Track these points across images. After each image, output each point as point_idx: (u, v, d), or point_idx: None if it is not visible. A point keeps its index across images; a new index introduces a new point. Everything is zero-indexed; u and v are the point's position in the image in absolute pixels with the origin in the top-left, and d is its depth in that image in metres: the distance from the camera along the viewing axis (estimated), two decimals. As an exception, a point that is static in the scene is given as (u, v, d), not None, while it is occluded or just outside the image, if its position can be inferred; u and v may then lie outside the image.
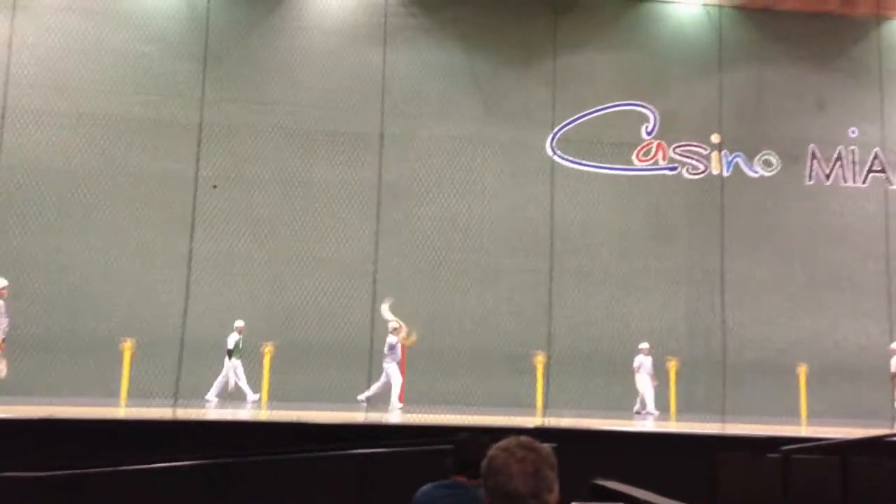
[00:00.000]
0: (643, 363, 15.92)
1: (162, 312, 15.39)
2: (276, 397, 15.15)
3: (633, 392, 15.88)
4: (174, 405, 10.55)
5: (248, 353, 15.23)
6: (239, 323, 15.19)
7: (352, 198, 16.53)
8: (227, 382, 14.92)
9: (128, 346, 14.56)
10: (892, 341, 16.20)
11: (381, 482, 7.66)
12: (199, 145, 16.09)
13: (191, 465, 7.48)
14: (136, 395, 14.10)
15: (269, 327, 15.45)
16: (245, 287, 15.98)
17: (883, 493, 7.92)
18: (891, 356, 15.45)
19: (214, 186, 15.96)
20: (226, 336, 15.08)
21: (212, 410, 10.34)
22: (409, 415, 11.88)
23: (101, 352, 14.55)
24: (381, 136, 16.74)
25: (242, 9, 16.98)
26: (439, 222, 16.71)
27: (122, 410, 12.40)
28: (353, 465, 8.01)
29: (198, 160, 16.01)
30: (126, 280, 15.54)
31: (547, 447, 2.25)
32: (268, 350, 15.36)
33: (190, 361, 14.87)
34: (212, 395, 14.76)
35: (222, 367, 14.97)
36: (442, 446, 7.41)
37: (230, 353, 15.00)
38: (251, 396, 14.93)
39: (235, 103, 16.53)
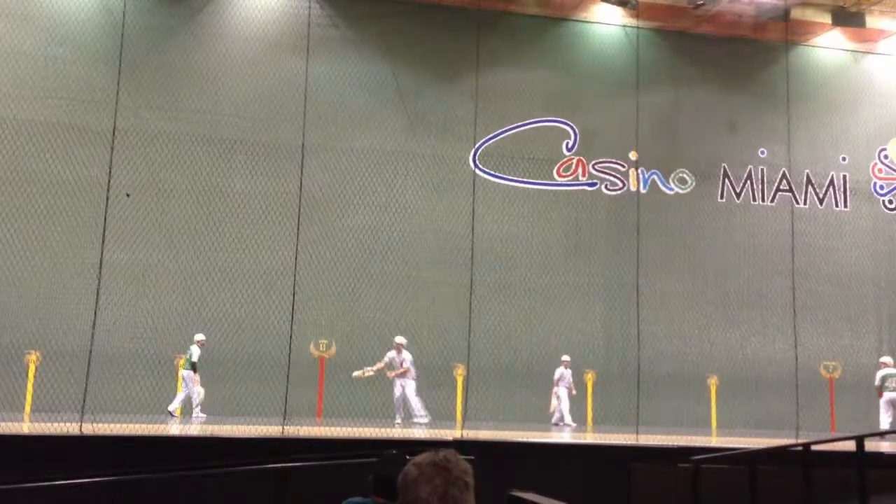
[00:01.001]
0: (563, 375, 16.13)
1: (70, 324, 14.85)
2: (190, 411, 14.79)
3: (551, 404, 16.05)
4: (81, 420, 10.19)
5: (163, 366, 14.83)
6: (200, 336, 14.84)
7: (272, 209, 16.31)
8: (191, 395, 14.60)
9: (33, 358, 14.00)
10: (791, 352, 16.80)
11: (299, 497, 7.54)
12: (112, 152, 15.62)
13: (100, 482, 7.22)
14: (42, 408, 13.55)
15: (184, 340, 15.08)
16: (159, 298, 15.58)
17: (788, 500, 8.18)
18: (878, 369, 15.71)
19: (128, 195, 15.53)
20: (138, 348, 14.67)
21: (121, 425, 10.01)
22: (326, 428, 11.74)
23: (6, 364, 13.95)
24: (303, 148, 16.56)
25: (161, 15, 16.62)
26: (361, 235, 16.63)
27: (25, 425, 11.90)
28: (269, 480, 7.87)
29: (111, 167, 15.54)
30: (34, 290, 14.97)
31: (464, 466, 2.22)
32: (182, 363, 14.99)
33: (99, 374, 14.35)
34: (196, 412, 14.54)
35: (132, 379, 14.53)
36: (361, 460, 7.36)
37: (195, 367, 14.63)
38: (173, 406, 14.56)
39: (152, 110, 16.15)
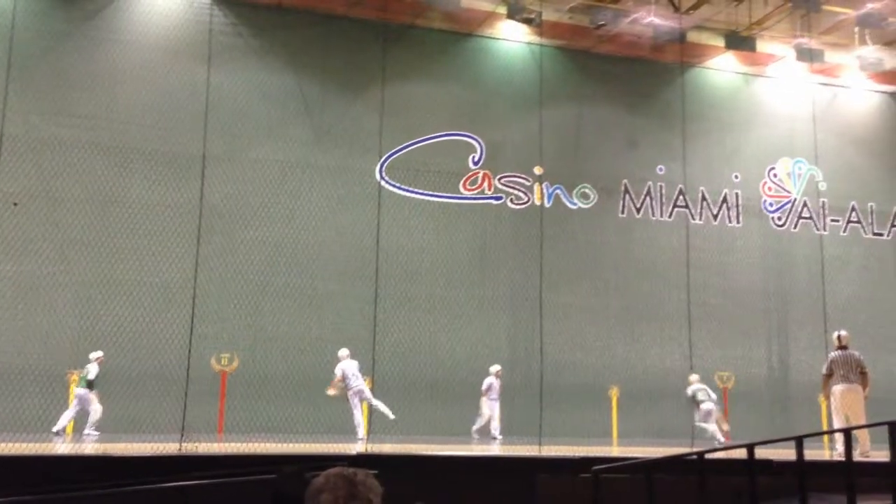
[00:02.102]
0: (492, 385, 16.19)
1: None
2: (81, 428, 14.20)
3: (457, 416, 16.06)
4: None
5: (54, 383, 14.20)
6: (97, 354, 14.26)
7: (171, 219, 15.86)
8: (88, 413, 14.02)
9: None
10: (691, 367, 17.36)
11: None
12: (-1, 159, 14.95)
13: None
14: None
15: (76, 355, 14.48)
16: (50, 312, 14.92)
17: (685, 508, 8.40)
18: (688, 386, 16.40)
19: (15, 204, 14.85)
20: (28, 362, 14.02)
21: (7, 444, 9.51)
22: (227, 444, 11.45)
23: None
24: (204, 157, 16.20)
25: (54, 18, 16.00)
26: (264, 247, 16.35)
27: None
28: (167, 499, 7.62)
29: (-4, 175, 14.86)
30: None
31: (371, 484, 2.29)
32: (74, 378, 14.39)
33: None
34: (90, 430, 13.94)
35: (20, 397, 13.85)
36: (260, 476, 7.20)
37: (91, 385, 14.04)
38: (59, 426, 13.94)
39: (43, 115, 15.50)
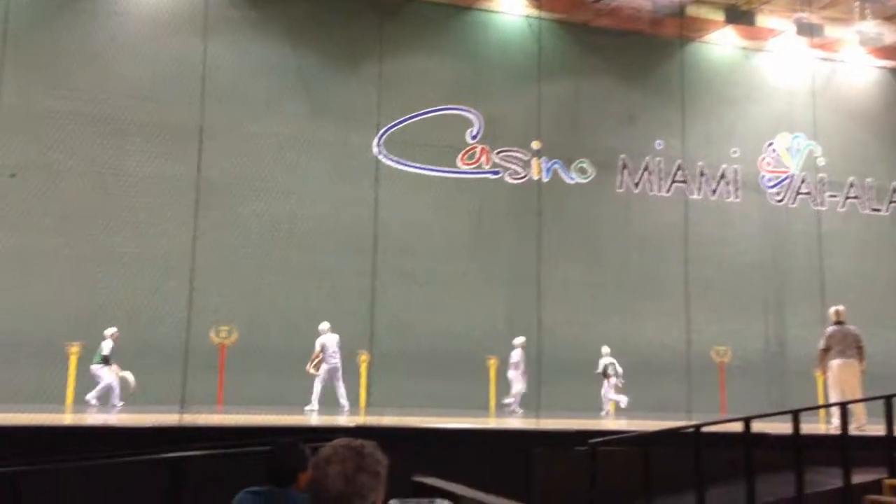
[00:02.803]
0: (521, 357, 16.24)
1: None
2: (82, 401, 14.25)
3: (454, 390, 16.04)
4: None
5: (52, 356, 14.24)
6: (112, 330, 14.29)
7: (169, 193, 15.82)
8: (120, 384, 14.06)
9: None
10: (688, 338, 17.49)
11: (195, 487, 7.36)
12: (-5, 131, 14.88)
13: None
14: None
15: (75, 328, 14.50)
16: (48, 284, 14.93)
17: (680, 480, 8.47)
18: (600, 359, 16.79)
19: (12, 175, 14.80)
20: (27, 335, 14.05)
21: (7, 415, 9.56)
22: (225, 416, 11.50)
23: None
24: (201, 131, 16.13)
25: (49, -12, 15.87)
26: (262, 221, 16.33)
27: None
28: (163, 471, 7.65)
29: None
30: None
31: (379, 457, 2.29)
32: (73, 351, 14.43)
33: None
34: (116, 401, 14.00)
35: (18, 368, 13.89)
36: (257, 448, 7.23)
37: (106, 360, 14.09)
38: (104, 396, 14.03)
39: (39, 88, 15.41)
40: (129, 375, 14.25)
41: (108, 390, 14.22)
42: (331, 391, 14.61)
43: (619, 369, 16.77)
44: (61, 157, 15.30)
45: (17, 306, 14.56)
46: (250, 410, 11.98)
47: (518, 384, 16.22)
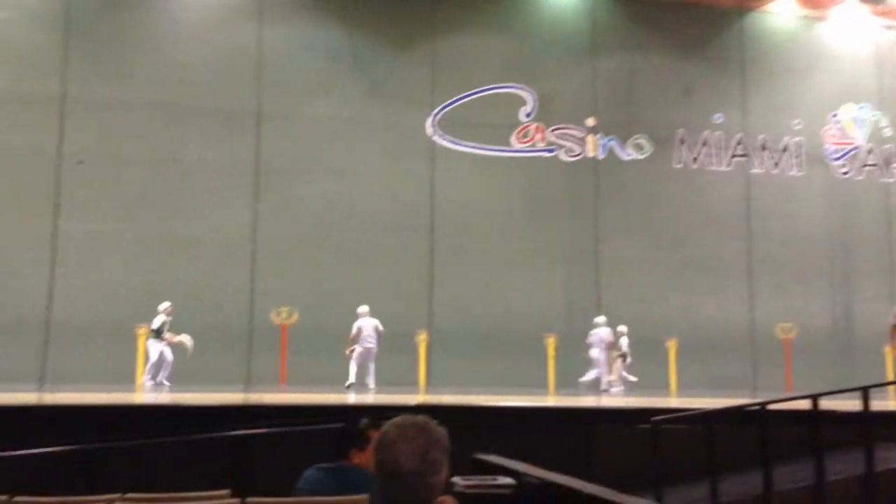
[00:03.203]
0: (602, 336, 15.98)
1: (25, 294, 14.60)
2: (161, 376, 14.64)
3: (514, 368, 15.98)
4: (40, 389, 9.97)
5: (122, 336, 14.64)
6: (165, 304, 14.31)
7: (228, 177, 16.09)
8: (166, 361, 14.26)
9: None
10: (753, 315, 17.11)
11: (262, 464, 7.51)
12: (61, 119, 15.26)
13: (58, 452, 7.11)
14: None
15: (142, 309, 14.84)
16: (115, 267, 15.33)
17: (743, 458, 8.35)
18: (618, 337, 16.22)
19: (80, 162, 15.19)
20: (97, 317, 14.45)
21: (81, 395, 9.85)
22: (290, 394, 11.68)
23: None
24: (258, 115, 16.34)
25: (109, -22, 16.18)
26: (319, 203, 16.49)
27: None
28: (228, 448, 7.82)
29: (61, 135, 15.19)
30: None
31: (443, 431, 2.26)
32: (141, 332, 14.80)
33: (56, 344, 14.21)
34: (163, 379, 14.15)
35: (91, 349, 14.30)
36: (326, 426, 7.34)
37: (158, 334, 14.18)
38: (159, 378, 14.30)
39: (102, 77, 15.77)
40: (186, 339, 14.25)
41: (156, 365, 14.26)
42: (403, 370, 14.55)
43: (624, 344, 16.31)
44: (123, 144, 15.65)
45: (86, 290, 14.99)
46: (312, 389, 12.15)
47: (603, 366, 15.91)
